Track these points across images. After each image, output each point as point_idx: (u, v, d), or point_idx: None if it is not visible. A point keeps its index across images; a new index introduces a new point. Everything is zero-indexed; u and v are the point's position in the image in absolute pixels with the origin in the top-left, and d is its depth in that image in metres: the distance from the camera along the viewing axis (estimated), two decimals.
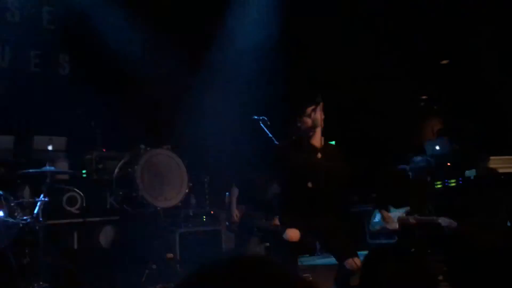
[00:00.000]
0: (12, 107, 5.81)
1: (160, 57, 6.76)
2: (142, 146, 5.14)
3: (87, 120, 5.76)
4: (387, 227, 4.99)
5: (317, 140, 3.51)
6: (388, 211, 5.02)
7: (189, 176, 5.25)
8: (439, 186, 6.60)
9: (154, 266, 5.17)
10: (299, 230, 3.41)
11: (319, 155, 3.50)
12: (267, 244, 5.34)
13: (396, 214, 4.98)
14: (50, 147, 5.58)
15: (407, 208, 4.97)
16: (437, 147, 7.17)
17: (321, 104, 3.53)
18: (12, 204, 4.01)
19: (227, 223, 5.39)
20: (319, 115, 3.50)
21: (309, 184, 3.50)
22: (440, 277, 3.14)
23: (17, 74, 6.24)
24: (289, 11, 7.16)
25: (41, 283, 3.94)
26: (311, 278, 4.53)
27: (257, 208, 5.10)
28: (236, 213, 5.10)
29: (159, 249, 5.17)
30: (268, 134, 4.30)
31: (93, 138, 5.75)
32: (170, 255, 5.32)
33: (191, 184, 5.25)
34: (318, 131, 3.52)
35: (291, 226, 3.44)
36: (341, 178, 3.59)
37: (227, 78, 7.14)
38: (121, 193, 5.11)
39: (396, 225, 4.92)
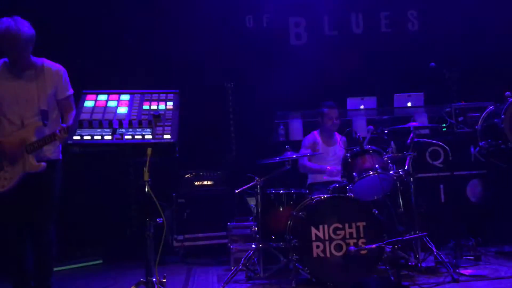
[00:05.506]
0: (371, 70, 6.29)
1: None
2: (509, 94, 4.68)
3: (441, 73, 5.65)
4: None
5: None
6: None
7: None
8: None
9: None
10: None
11: None
12: None
13: None
14: (409, 104, 5.80)
15: None
16: None
17: None
18: (385, 159, 4.33)
19: None
20: None
21: None
22: None
23: (370, 38, 6.67)
24: None
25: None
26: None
27: None
28: None
29: None
30: None
31: (449, 91, 5.62)
32: None
33: None
34: None
35: None
36: None
37: None
38: (486, 145, 4.83)
39: None
